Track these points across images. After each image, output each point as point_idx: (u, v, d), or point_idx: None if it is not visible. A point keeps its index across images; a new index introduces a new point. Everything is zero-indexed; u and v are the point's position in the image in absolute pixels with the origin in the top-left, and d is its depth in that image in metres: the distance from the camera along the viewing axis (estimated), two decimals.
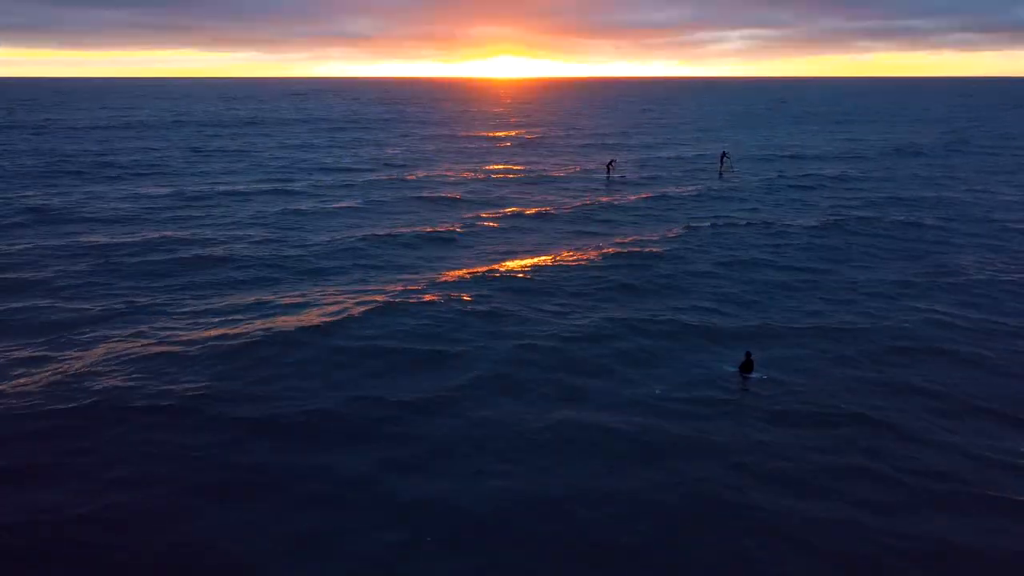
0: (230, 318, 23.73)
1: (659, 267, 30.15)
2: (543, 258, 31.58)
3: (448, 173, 58.70)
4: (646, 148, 79.30)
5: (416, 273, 29.48)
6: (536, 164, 64.60)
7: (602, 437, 16.40)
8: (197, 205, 43.85)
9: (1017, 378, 19.96)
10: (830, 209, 43.62)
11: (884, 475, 15.11)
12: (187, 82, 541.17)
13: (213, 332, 22.27)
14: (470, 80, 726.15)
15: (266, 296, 26.23)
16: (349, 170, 59.88)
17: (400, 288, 26.86)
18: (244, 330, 22.26)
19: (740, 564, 12.52)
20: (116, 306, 25.01)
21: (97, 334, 22.42)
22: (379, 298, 25.38)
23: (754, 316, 24.37)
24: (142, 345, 21.33)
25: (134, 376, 19.11)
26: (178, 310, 24.70)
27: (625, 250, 32.75)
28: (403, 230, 37.10)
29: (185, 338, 21.83)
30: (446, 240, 35.64)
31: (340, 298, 25.75)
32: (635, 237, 35.90)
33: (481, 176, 57.27)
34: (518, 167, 62.57)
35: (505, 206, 44.42)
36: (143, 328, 22.85)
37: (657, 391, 18.69)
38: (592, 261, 30.82)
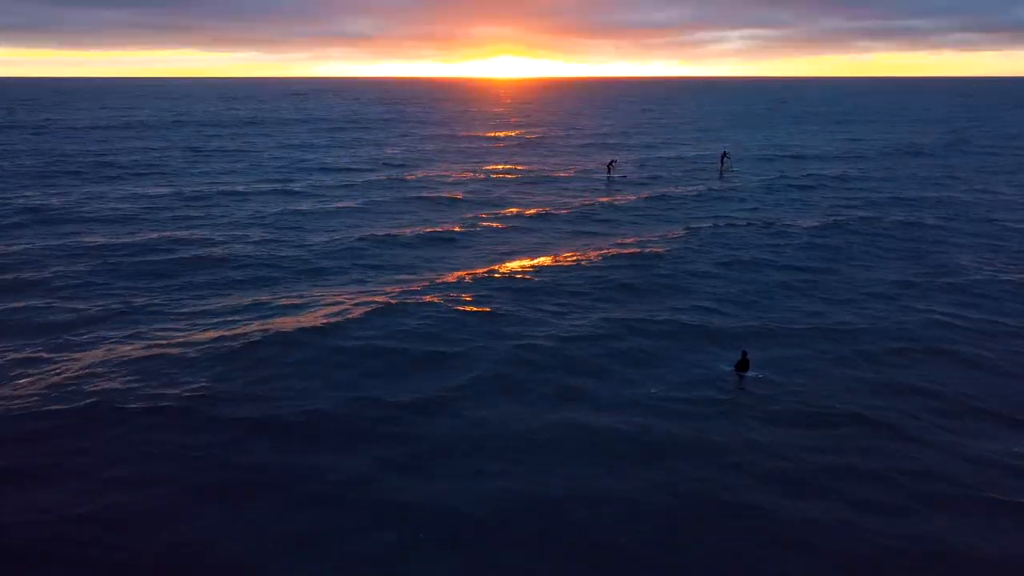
0: (229, 318, 23.73)
1: (659, 267, 30.15)
2: (543, 258, 31.58)
3: (448, 173, 58.70)
4: (646, 148, 79.31)
5: (416, 273, 29.48)
6: (536, 164, 64.60)
7: (601, 437, 16.41)
8: (196, 205, 43.85)
9: (1017, 379, 19.95)
10: (830, 209, 43.63)
11: (883, 475, 15.11)
12: (187, 82, 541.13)
13: (212, 332, 22.27)
14: (470, 80, 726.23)
15: (265, 296, 26.24)
16: (349, 170, 59.89)
17: (399, 288, 26.86)
18: (243, 330, 22.26)
19: (739, 564, 12.51)
20: (115, 306, 25.01)
21: (96, 334, 22.42)
22: (379, 298, 25.38)
23: (754, 316, 24.37)
24: (141, 345, 21.34)
25: (133, 376, 19.11)
26: (177, 310, 24.69)
27: (625, 250, 32.75)
28: (403, 230, 37.11)
29: (184, 338, 21.84)
30: (446, 240, 35.63)
31: (339, 298, 25.75)
32: (635, 237, 35.91)
33: (481, 176, 57.27)
34: (518, 167, 62.57)
35: (505, 206, 44.43)
36: (142, 328, 22.85)
37: (653, 391, 18.70)
38: (592, 261, 30.82)
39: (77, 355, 20.72)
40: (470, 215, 41.66)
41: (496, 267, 30.02)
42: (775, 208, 44.35)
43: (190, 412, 17.23)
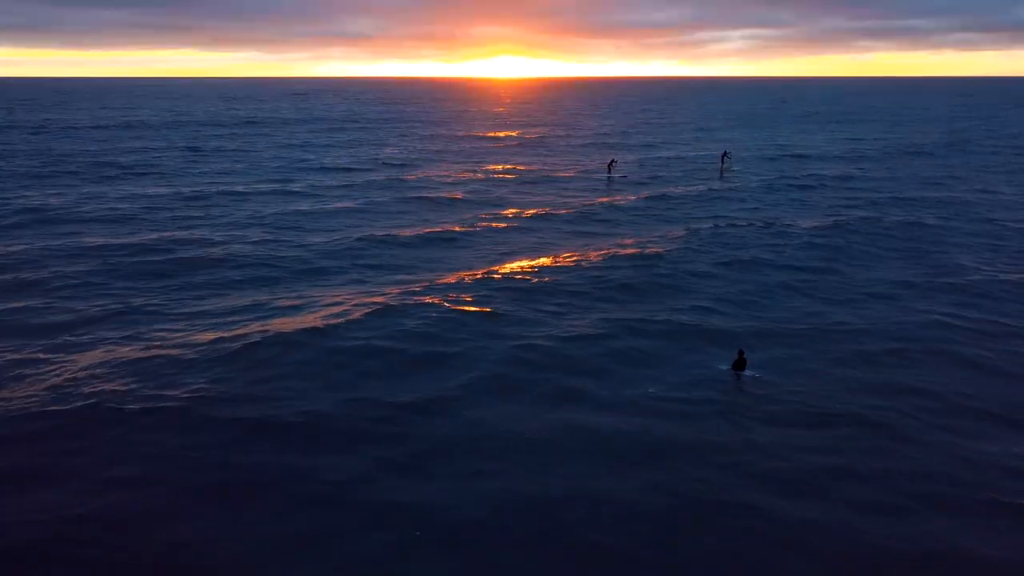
0: (228, 319, 23.72)
1: (659, 267, 30.13)
2: (542, 258, 31.58)
3: (448, 173, 58.70)
4: (646, 148, 79.31)
5: (415, 273, 29.48)
6: (536, 164, 64.60)
7: (600, 437, 16.40)
8: (196, 205, 43.86)
9: (1016, 379, 19.94)
10: (830, 209, 43.64)
11: (882, 476, 15.10)
12: (187, 82, 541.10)
13: (211, 333, 22.27)
14: (470, 80, 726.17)
15: (264, 296, 26.24)
16: (348, 170, 59.89)
17: (399, 289, 26.87)
18: (242, 331, 22.26)
19: (738, 565, 12.51)
20: (114, 307, 25.00)
21: (95, 335, 22.41)
22: (378, 299, 25.38)
23: (753, 316, 24.37)
24: (140, 346, 21.33)
25: (132, 377, 19.11)
26: (176, 311, 24.69)
27: (625, 250, 32.75)
28: (402, 230, 37.10)
29: (183, 339, 21.83)
30: (445, 240, 35.62)
31: (339, 299, 25.75)
32: (635, 237, 35.91)
33: (481, 176, 57.27)
34: (518, 167, 62.57)
35: (505, 206, 44.44)
36: (141, 329, 22.84)
37: (651, 390, 18.70)
38: (592, 261, 30.81)
39: (76, 355, 20.71)
40: (470, 215, 41.65)
41: (496, 267, 30.02)
42: (775, 208, 44.35)
43: (189, 412, 17.23)
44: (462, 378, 19.23)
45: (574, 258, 31.41)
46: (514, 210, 43.00)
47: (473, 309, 24.36)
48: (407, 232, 36.63)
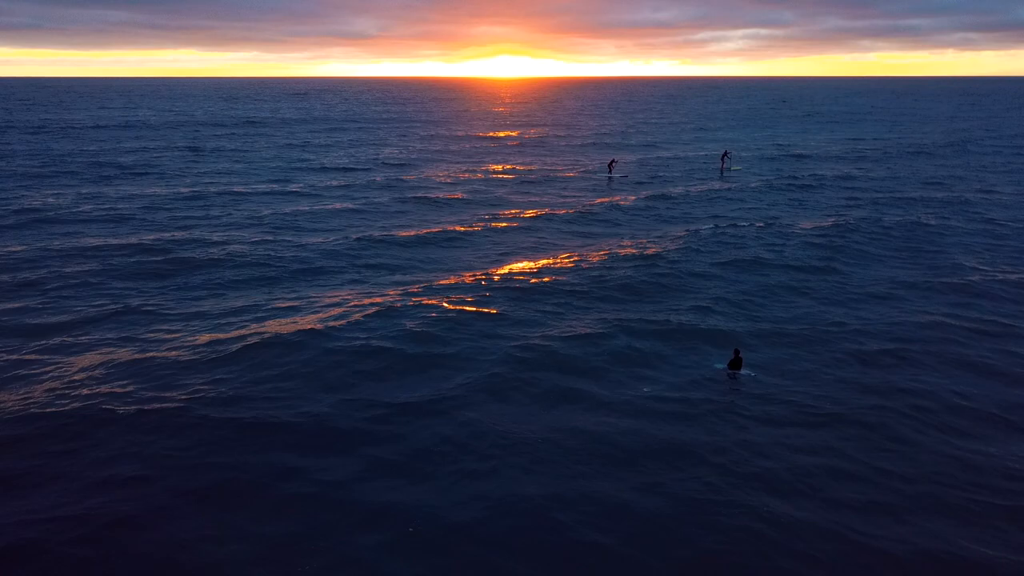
0: (226, 320, 23.69)
1: (659, 267, 30.08)
2: (542, 258, 31.53)
3: (447, 173, 58.66)
4: (647, 148, 79.26)
5: (414, 274, 29.44)
6: (536, 164, 64.56)
7: (595, 438, 16.36)
8: (195, 205, 43.82)
9: (1015, 380, 19.89)
10: (830, 209, 43.58)
11: (878, 477, 15.05)
12: (187, 82, 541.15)
13: (208, 334, 22.23)
14: (471, 80, 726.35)
15: (262, 297, 26.20)
16: (348, 170, 59.85)
17: (398, 289, 26.83)
18: (240, 332, 22.23)
19: (732, 565, 12.46)
20: (112, 307, 24.96)
21: (93, 335, 22.38)
22: (376, 299, 25.35)
23: (752, 316, 24.32)
24: (138, 347, 21.30)
25: (130, 378, 19.08)
26: (174, 311, 24.65)
27: (624, 250, 32.70)
28: (402, 231, 37.06)
29: (180, 340, 21.80)
30: (445, 240, 35.57)
31: (337, 299, 25.71)
32: (635, 237, 35.85)
33: (481, 176, 57.23)
34: (518, 167, 62.52)
35: (505, 206, 44.39)
36: (139, 330, 22.82)
37: (646, 390, 18.67)
38: (591, 261, 30.76)
39: (74, 356, 20.68)
40: (469, 215, 41.61)
41: (495, 267, 29.97)
42: (775, 208, 44.29)
43: (187, 413, 17.20)
44: (460, 378, 19.19)
45: (573, 258, 31.36)
46: (514, 210, 42.96)
47: (472, 309, 24.31)
48: (406, 232, 36.59)
